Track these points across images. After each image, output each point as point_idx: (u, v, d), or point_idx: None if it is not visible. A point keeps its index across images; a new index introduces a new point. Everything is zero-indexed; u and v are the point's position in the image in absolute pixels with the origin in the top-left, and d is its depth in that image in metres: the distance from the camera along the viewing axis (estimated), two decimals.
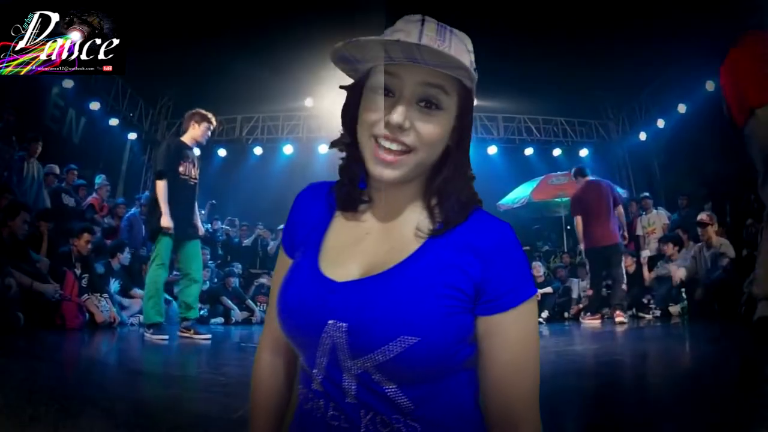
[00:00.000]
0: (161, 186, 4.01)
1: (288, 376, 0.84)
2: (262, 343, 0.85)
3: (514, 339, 0.69)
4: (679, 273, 5.67)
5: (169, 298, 5.47)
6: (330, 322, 0.68)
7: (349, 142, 0.76)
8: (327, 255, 0.75)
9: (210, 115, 4.34)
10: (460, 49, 0.69)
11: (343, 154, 0.79)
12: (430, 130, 0.68)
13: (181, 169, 4.15)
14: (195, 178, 4.32)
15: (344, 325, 0.67)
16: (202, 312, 6.02)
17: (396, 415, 0.67)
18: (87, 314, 4.57)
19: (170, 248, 4.08)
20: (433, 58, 0.64)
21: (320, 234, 0.77)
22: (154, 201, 4.08)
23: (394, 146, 0.68)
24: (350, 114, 0.74)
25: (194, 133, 4.29)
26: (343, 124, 0.77)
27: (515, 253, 0.70)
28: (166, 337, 4.01)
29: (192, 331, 4.14)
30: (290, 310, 0.72)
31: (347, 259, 0.73)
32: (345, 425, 0.68)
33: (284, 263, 0.81)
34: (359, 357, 0.66)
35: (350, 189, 0.76)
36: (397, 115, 0.66)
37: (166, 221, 3.95)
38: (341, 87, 0.77)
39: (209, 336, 4.23)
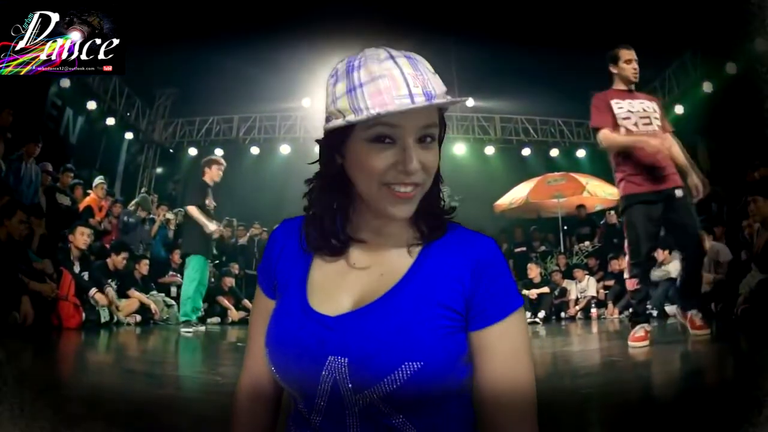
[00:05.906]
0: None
1: (270, 421, 0.82)
2: (240, 387, 0.82)
3: (504, 352, 0.69)
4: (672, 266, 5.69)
5: (171, 302, 5.98)
6: (330, 358, 0.66)
7: (336, 187, 0.74)
8: (315, 291, 0.73)
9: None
10: (432, 74, 0.68)
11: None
12: (433, 162, 0.70)
13: (206, 201, 5.21)
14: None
15: (345, 359, 0.66)
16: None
17: None
18: (84, 314, 4.56)
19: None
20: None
21: (304, 271, 0.76)
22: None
23: (409, 188, 0.68)
24: (335, 161, 0.72)
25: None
26: (328, 170, 0.74)
27: (501, 267, 0.71)
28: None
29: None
30: (284, 352, 0.70)
31: (337, 292, 0.72)
32: None
33: (264, 305, 0.79)
34: (364, 390, 0.65)
35: (322, 243, 0.75)
36: (413, 164, 0.67)
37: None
38: (326, 129, 0.72)
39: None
